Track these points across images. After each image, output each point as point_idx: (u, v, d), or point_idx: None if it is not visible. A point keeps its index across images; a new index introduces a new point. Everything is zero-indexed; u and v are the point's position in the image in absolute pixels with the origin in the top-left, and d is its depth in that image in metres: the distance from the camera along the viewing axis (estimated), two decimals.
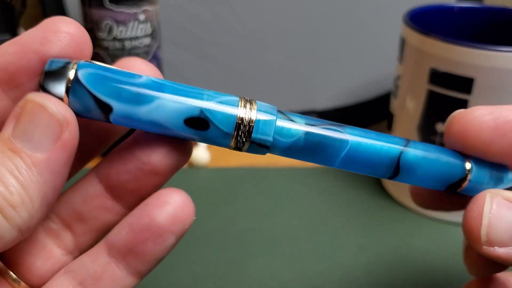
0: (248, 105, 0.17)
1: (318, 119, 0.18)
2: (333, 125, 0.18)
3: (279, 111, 0.17)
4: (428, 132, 0.36)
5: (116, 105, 0.16)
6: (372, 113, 0.49)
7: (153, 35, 0.41)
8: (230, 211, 0.38)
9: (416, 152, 0.18)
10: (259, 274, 0.32)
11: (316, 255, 0.34)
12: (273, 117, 0.17)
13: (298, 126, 0.17)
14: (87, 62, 0.16)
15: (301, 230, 0.36)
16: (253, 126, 0.17)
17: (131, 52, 0.40)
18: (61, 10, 0.45)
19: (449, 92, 0.34)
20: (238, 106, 0.17)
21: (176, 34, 0.47)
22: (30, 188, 0.15)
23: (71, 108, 0.16)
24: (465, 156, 0.18)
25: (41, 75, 0.16)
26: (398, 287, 0.32)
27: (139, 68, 0.18)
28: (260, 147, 0.17)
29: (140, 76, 0.16)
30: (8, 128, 0.15)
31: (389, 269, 0.33)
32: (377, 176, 0.18)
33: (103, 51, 0.40)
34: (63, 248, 0.19)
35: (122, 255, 0.17)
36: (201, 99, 0.16)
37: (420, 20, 0.36)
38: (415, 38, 0.35)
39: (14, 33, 0.41)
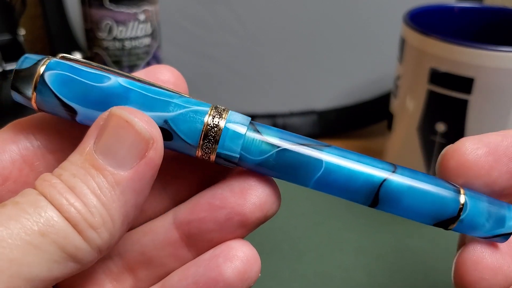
0: (217, 117, 0.16)
1: (295, 135, 0.16)
2: (310, 143, 0.16)
3: (252, 123, 0.16)
4: (428, 132, 0.36)
5: (80, 109, 0.16)
6: (372, 113, 0.49)
7: (153, 35, 0.41)
8: None
9: (402, 181, 0.16)
10: None
11: (315, 255, 0.34)
12: (242, 131, 0.16)
13: (270, 142, 0.16)
14: (58, 60, 0.16)
15: (301, 230, 0.36)
16: (218, 140, 0.16)
17: (131, 52, 0.40)
18: (61, 10, 0.45)
19: (449, 92, 0.34)
20: (205, 117, 0.16)
21: (176, 34, 0.47)
22: (111, 208, 0.14)
23: (39, 107, 0.16)
24: (459, 188, 0.16)
25: (12, 73, 0.15)
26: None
27: (164, 75, 0.18)
28: (227, 162, 0.16)
29: (108, 78, 0.16)
30: (89, 140, 0.15)
31: (389, 270, 0.33)
32: (357, 202, 0.16)
33: (103, 51, 0.40)
34: None
35: None
36: (167, 109, 0.16)
37: (420, 20, 0.36)
38: (415, 38, 0.35)
39: (14, 33, 0.41)
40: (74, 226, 0.14)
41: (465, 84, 0.33)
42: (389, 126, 0.40)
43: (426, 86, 0.35)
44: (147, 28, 0.40)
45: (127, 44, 0.40)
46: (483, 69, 0.32)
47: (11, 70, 0.39)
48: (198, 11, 0.47)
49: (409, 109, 0.37)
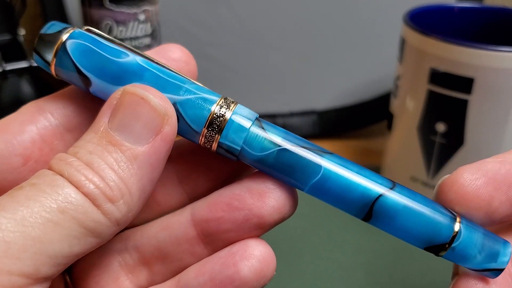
0: (224, 107, 0.16)
1: (300, 138, 0.16)
2: (312, 147, 0.16)
3: (259, 120, 0.16)
4: (428, 132, 0.36)
5: (95, 80, 0.16)
6: (372, 113, 0.49)
7: (153, 35, 0.41)
8: None
9: (398, 199, 0.16)
10: None
11: (314, 255, 0.34)
12: (247, 125, 0.16)
13: (273, 140, 0.16)
14: (82, 31, 0.16)
15: (300, 230, 0.36)
16: (222, 130, 0.16)
17: None
18: (61, 10, 0.45)
19: (449, 92, 0.34)
20: (213, 106, 0.16)
21: (176, 34, 0.47)
22: (129, 182, 0.14)
23: (56, 73, 0.16)
24: (456, 216, 0.16)
25: (37, 37, 0.16)
26: (397, 287, 0.32)
27: (175, 54, 0.18)
28: (228, 153, 0.16)
29: (127, 55, 0.16)
30: (103, 119, 0.15)
31: (387, 269, 0.33)
32: (350, 214, 0.16)
33: None
34: (135, 284, 0.18)
35: None
36: (177, 92, 0.16)
37: (420, 20, 0.36)
38: (415, 38, 0.35)
39: (14, 33, 0.41)
40: (93, 200, 0.14)
41: (465, 84, 0.33)
42: (389, 126, 0.40)
43: (426, 86, 0.35)
44: (147, 28, 0.40)
45: (127, 44, 0.40)
46: (483, 69, 0.32)
47: (11, 70, 0.39)
48: (198, 11, 0.47)
49: (409, 109, 0.37)
